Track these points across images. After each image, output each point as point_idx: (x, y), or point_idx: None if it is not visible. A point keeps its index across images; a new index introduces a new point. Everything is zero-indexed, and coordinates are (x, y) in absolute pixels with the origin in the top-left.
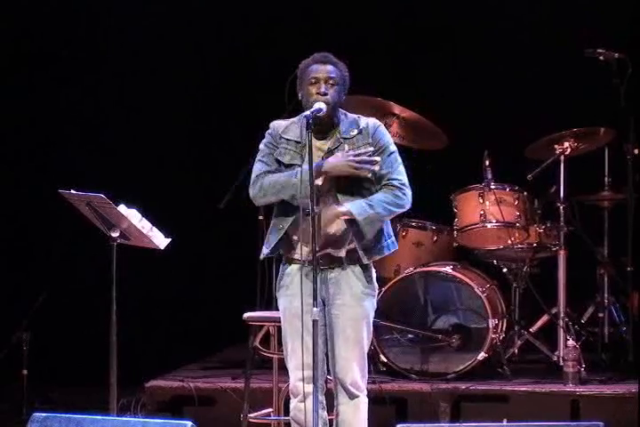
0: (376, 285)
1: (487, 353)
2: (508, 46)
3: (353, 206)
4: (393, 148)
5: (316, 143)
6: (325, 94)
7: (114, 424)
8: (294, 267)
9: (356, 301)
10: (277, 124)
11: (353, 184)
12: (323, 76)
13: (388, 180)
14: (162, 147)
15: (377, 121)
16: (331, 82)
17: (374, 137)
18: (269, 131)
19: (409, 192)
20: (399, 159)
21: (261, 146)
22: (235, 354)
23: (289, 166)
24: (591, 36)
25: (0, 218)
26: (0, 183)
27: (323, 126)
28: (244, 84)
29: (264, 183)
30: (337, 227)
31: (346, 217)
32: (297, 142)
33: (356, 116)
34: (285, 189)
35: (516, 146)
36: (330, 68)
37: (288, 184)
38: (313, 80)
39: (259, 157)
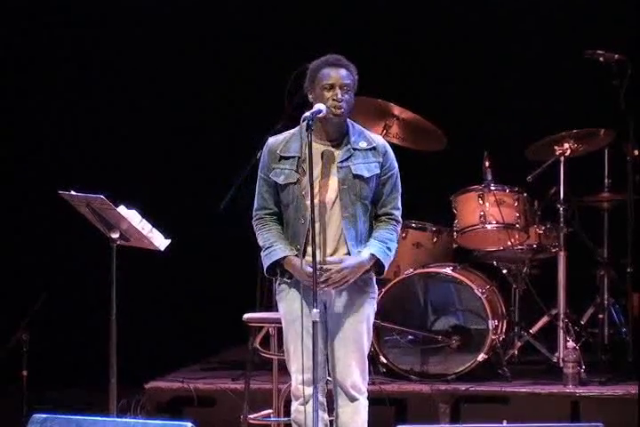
0: (375, 287)
1: (487, 354)
2: (508, 47)
3: (376, 252)
4: (397, 171)
5: (328, 150)
6: (342, 101)
7: (114, 425)
8: None
9: (355, 303)
10: (274, 143)
11: (355, 200)
12: (338, 82)
13: (392, 210)
14: (162, 147)
15: (384, 141)
16: (345, 88)
17: (385, 158)
18: (265, 151)
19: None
20: (399, 183)
21: (259, 171)
22: (235, 355)
23: (285, 187)
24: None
25: (0, 218)
26: (0, 183)
27: (334, 133)
28: (246, 84)
29: (258, 234)
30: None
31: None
32: (297, 158)
33: (361, 128)
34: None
35: (515, 147)
36: (344, 72)
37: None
38: (327, 86)
39: (258, 184)
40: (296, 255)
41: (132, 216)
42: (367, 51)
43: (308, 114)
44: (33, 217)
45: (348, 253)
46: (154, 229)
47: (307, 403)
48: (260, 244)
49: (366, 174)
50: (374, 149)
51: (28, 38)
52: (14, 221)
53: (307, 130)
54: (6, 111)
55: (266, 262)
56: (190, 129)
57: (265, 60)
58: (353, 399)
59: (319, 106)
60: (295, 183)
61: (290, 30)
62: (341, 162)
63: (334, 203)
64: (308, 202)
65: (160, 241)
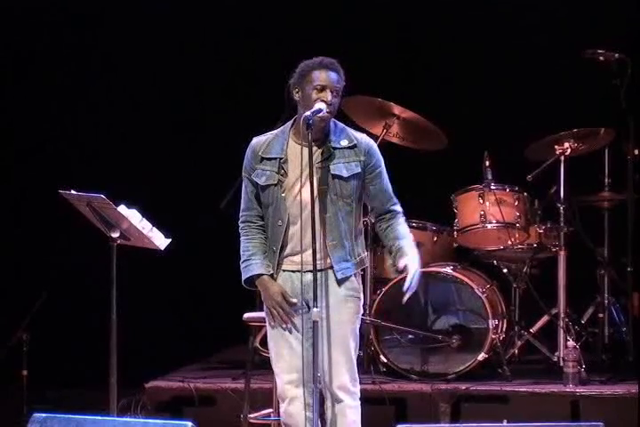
0: (360, 287)
1: (487, 354)
2: (508, 47)
3: (413, 247)
4: (383, 167)
5: (306, 151)
6: (330, 104)
7: (114, 425)
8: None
9: (340, 303)
10: (257, 144)
11: (336, 199)
12: (330, 85)
13: (393, 206)
14: (162, 146)
15: (369, 139)
16: (336, 91)
17: (369, 155)
18: (249, 151)
19: None
20: (387, 177)
21: (242, 171)
22: (235, 354)
23: (265, 188)
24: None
25: (0, 218)
26: (0, 182)
27: (315, 134)
28: (247, 82)
29: (241, 240)
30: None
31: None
32: (278, 159)
33: (343, 125)
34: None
35: (516, 146)
36: (336, 76)
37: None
38: (319, 87)
39: (243, 184)
40: (271, 275)
41: (132, 215)
42: (367, 50)
43: (308, 113)
44: (33, 216)
45: (328, 255)
46: (154, 229)
47: (292, 404)
48: (240, 252)
49: (345, 174)
50: (355, 146)
51: (28, 37)
52: (14, 221)
53: (307, 129)
54: (6, 110)
55: (243, 275)
56: (191, 128)
57: (266, 59)
58: (339, 401)
59: (319, 105)
60: (276, 185)
61: (290, 29)
62: (319, 162)
63: (314, 203)
64: (289, 203)
65: (160, 240)
